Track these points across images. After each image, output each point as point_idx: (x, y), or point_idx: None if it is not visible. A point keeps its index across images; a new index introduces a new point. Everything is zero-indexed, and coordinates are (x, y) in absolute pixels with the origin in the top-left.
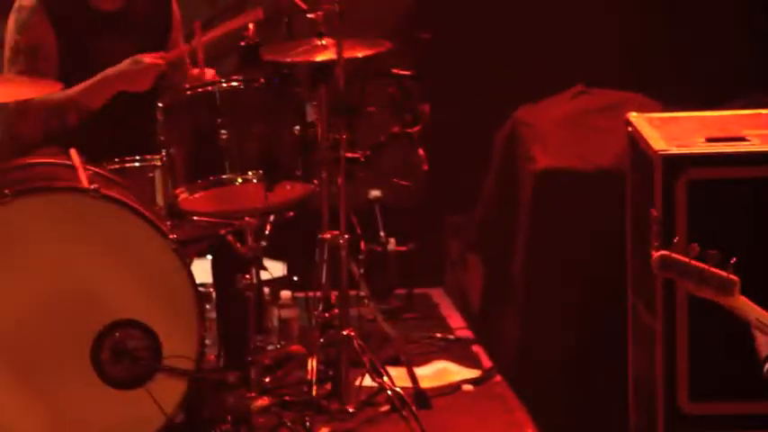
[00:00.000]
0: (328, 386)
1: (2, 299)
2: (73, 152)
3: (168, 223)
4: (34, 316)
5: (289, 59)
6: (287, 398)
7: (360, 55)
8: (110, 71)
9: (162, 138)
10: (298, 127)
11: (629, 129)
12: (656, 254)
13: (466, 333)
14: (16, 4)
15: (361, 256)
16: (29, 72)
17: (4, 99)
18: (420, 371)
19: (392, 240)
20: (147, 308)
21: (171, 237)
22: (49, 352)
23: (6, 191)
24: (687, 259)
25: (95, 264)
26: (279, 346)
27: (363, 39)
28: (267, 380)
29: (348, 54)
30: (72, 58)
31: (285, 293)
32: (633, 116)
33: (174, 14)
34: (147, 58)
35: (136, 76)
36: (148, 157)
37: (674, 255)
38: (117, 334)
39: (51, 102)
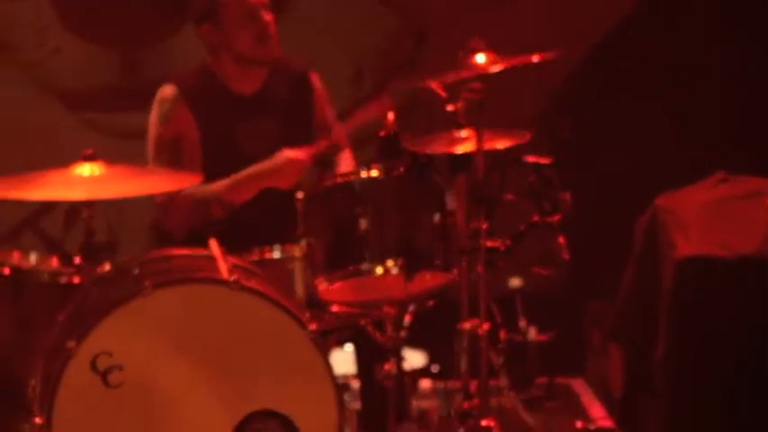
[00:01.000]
0: None
1: (144, 389)
2: (213, 243)
3: (308, 314)
4: (174, 406)
5: (428, 151)
6: None
7: (499, 146)
8: (256, 168)
9: (302, 228)
10: (437, 216)
11: None
12: None
13: (607, 423)
14: (158, 96)
15: (501, 346)
16: (173, 163)
17: (147, 191)
18: None
19: (532, 329)
20: (287, 398)
21: (310, 327)
22: None
23: (147, 282)
24: None
25: (235, 354)
26: None
27: (503, 129)
28: None
29: (488, 145)
30: (215, 144)
31: (425, 383)
32: None
33: (315, 90)
34: (293, 154)
35: (282, 173)
36: (288, 247)
37: None
38: (257, 425)
39: (196, 196)
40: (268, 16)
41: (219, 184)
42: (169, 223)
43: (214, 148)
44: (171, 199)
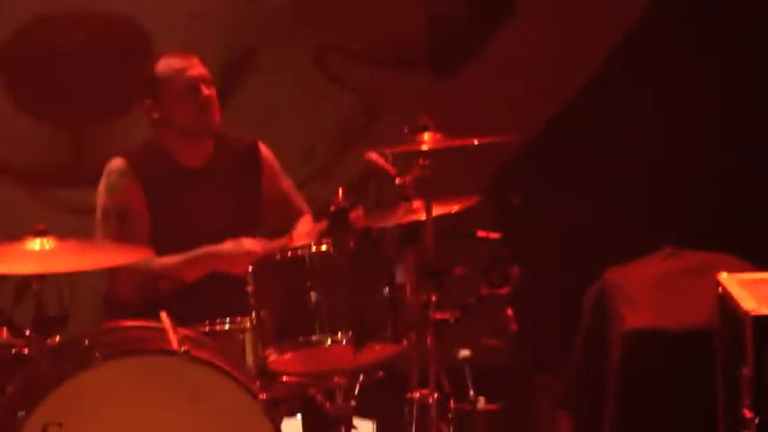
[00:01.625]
0: None
1: None
2: (163, 315)
3: (258, 384)
4: None
5: (378, 224)
6: None
7: (449, 210)
8: (209, 249)
9: (252, 300)
10: (387, 288)
11: (720, 289)
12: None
13: None
14: (106, 169)
15: (450, 415)
16: (120, 234)
17: (97, 266)
18: None
19: (481, 399)
20: None
21: (261, 397)
22: None
23: (97, 353)
24: None
25: (185, 424)
26: None
27: (451, 196)
28: None
29: (436, 210)
30: (163, 216)
31: None
32: (723, 277)
33: (264, 160)
34: (249, 245)
35: (235, 260)
36: (239, 319)
37: None
38: None
39: (146, 270)
40: (208, 90)
41: (172, 260)
42: (117, 292)
43: (163, 220)
44: (119, 271)
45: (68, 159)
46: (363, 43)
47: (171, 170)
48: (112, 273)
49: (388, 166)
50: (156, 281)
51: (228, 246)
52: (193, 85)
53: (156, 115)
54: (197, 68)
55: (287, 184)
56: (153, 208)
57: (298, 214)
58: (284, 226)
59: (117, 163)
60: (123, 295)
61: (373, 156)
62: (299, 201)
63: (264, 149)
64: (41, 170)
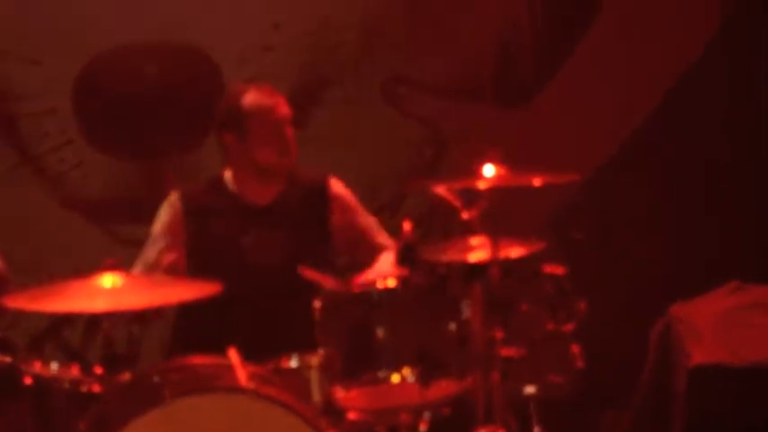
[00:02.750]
0: None
1: None
2: (232, 351)
3: (325, 421)
4: None
5: (445, 260)
6: None
7: (514, 255)
8: None
9: (319, 337)
10: (453, 324)
11: None
12: None
13: None
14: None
15: None
16: (146, 258)
17: (167, 302)
18: None
19: None
20: None
21: None
22: None
23: (166, 391)
24: None
25: None
26: None
27: (517, 238)
28: None
29: (502, 253)
30: (215, 252)
31: None
32: None
33: (334, 198)
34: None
35: None
36: (305, 356)
37: None
38: None
39: None
40: (290, 131)
41: None
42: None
43: (216, 256)
44: None
45: (140, 194)
46: (432, 75)
47: (231, 207)
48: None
49: (454, 201)
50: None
51: None
52: (280, 127)
53: (235, 150)
54: (284, 108)
55: (364, 219)
56: (201, 245)
57: (377, 250)
58: (364, 261)
59: (172, 196)
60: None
61: (440, 190)
62: (380, 236)
63: (336, 185)
64: (113, 205)
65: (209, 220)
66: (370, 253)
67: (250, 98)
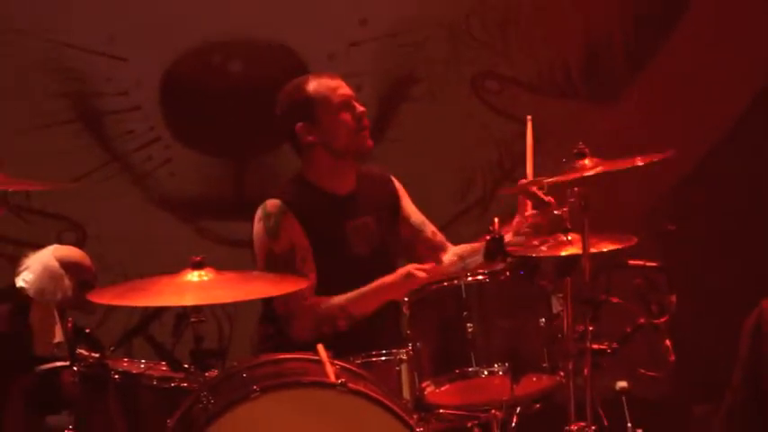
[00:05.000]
0: None
1: None
2: (320, 347)
3: (415, 416)
4: None
5: (534, 254)
6: None
7: (605, 249)
8: (382, 282)
9: (408, 331)
10: (543, 319)
11: None
12: None
13: None
14: (261, 212)
15: None
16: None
17: (255, 296)
18: None
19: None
20: None
21: (418, 430)
22: None
23: (255, 387)
24: None
25: None
26: None
27: (609, 233)
28: None
29: (593, 248)
30: (321, 246)
31: None
32: None
33: (401, 194)
34: (419, 273)
35: (402, 288)
36: (395, 351)
37: None
38: None
39: (321, 310)
40: (361, 107)
41: (345, 297)
42: (294, 332)
43: (322, 250)
44: (294, 310)
45: (228, 192)
46: (521, 70)
47: (322, 200)
48: (284, 310)
49: (543, 196)
50: (333, 320)
51: (401, 275)
52: (349, 102)
53: (310, 138)
54: (347, 87)
55: (420, 216)
56: (312, 241)
57: (437, 246)
58: (422, 258)
59: (274, 204)
60: (301, 335)
61: (529, 185)
62: (437, 234)
63: (397, 182)
64: (201, 202)
65: (311, 219)
66: (429, 248)
67: (313, 83)
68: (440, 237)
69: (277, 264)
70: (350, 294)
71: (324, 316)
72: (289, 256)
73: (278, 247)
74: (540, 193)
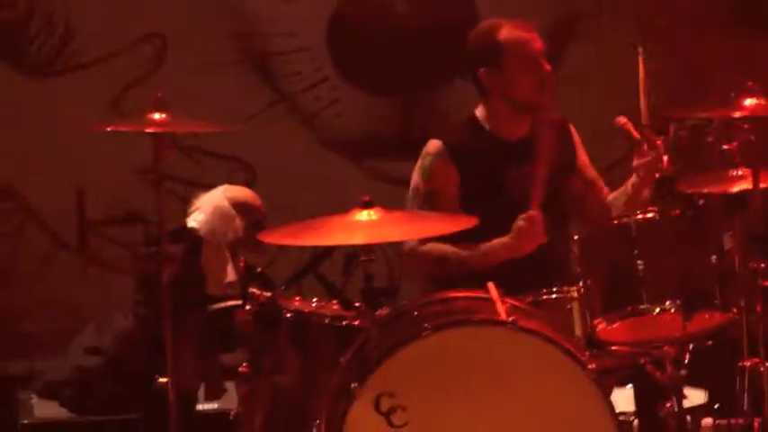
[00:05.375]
0: None
1: (427, 429)
2: (490, 285)
3: (587, 354)
4: None
5: (705, 190)
6: None
7: None
8: (498, 243)
9: (578, 269)
10: (714, 256)
11: None
12: None
13: None
14: (424, 150)
15: None
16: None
17: (423, 235)
18: None
19: None
20: None
21: (590, 367)
22: None
23: (427, 324)
24: None
25: (514, 394)
26: None
27: None
28: None
29: (764, 184)
30: (479, 192)
31: (706, 421)
32: None
33: (575, 139)
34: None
35: (522, 247)
36: (565, 288)
37: None
38: None
39: (439, 255)
40: (548, 65)
41: (467, 254)
42: (411, 271)
43: (480, 195)
44: (416, 251)
45: (395, 131)
46: (685, 8)
47: (489, 145)
48: (408, 253)
49: (633, 131)
50: (445, 266)
51: (511, 239)
52: (537, 59)
53: (492, 85)
54: (539, 42)
55: (593, 172)
56: (468, 186)
57: (602, 204)
58: (588, 212)
59: (434, 145)
60: (414, 273)
61: (621, 120)
62: (604, 190)
63: (574, 131)
64: (368, 142)
65: (472, 163)
66: (596, 203)
67: (506, 32)
68: (606, 192)
69: (416, 200)
70: (468, 252)
71: (438, 261)
72: (429, 197)
73: (423, 187)
74: (629, 128)
